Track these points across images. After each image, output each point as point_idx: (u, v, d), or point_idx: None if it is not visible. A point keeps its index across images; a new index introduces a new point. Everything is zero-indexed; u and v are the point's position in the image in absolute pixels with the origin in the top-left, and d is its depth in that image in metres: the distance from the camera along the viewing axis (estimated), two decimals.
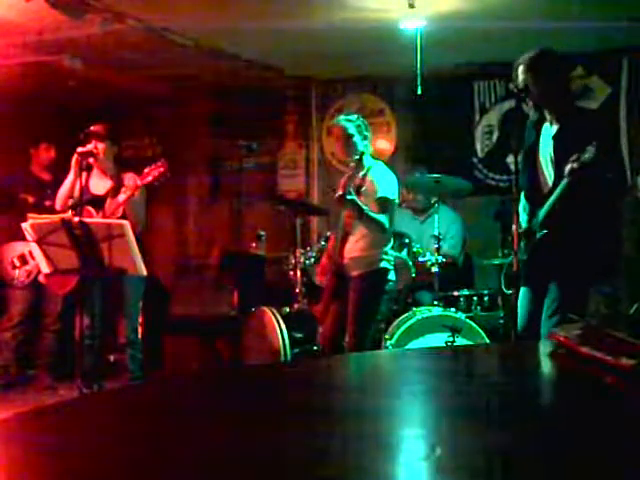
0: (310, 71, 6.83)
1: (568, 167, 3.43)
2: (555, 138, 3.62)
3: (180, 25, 5.28)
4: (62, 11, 4.69)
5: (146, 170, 4.52)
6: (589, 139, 3.39)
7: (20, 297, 5.69)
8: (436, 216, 5.16)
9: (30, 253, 5.20)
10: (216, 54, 5.96)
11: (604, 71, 5.97)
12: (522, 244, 3.72)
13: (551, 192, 3.57)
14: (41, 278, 4.79)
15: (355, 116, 4.60)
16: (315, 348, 5.17)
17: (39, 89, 6.28)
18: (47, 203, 5.54)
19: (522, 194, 3.74)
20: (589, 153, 3.36)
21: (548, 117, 3.66)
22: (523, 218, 3.74)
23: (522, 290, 3.77)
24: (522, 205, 3.76)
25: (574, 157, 3.40)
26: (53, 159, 5.92)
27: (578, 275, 3.53)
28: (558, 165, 3.55)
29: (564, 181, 3.48)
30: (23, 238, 4.46)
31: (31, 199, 5.71)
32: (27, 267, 5.53)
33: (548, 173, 3.64)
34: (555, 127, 3.64)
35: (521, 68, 3.59)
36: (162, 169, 4.48)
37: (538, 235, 3.55)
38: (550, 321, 3.53)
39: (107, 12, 4.90)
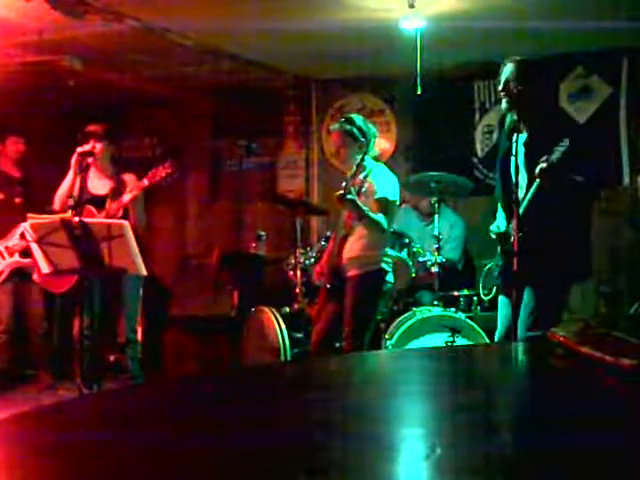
0: (310, 71, 6.83)
1: (537, 168, 3.44)
2: (525, 145, 3.63)
3: (180, 25, 5.28)
4: (62, 11, 4.68)
5: (152, 171, 4.51)
6: (557, 141, 3.41)
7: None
8: (436, 216, 5.15)
9: (0, 253, 5.13)
10: (216, 54, 5.95)
11: (604, 71, 5.97)
12: (498, 249, 3.74)
13: (524, 199, 3.57)
14: (36, 278, 4.72)
15: (355, 118, 4.53)
16: None
17: (39, 89, 6.28)
18: (17, 200, 5.45)
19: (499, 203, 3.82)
20: (557, 153, 3.39)
21: (520, 124, 3.64)
22: (502, 223, 3.76)
23: (500, 299, 3.77)
24: (499, 212, 3.82)
25: (543, 158, 3.43)
26: (22, 154, 5.72)
27: (550, 278, 3.53)
28: (530, 172, 3.56)
29: (535, 183, 3.50)
30: None
31: (0, 196, 5.59)
32: None
33: (521, 181, 3.60)
34: (525, 134, 3.67)
35: (501, 75, 3.66)
36: (169, 170, 4.47)
37: (513, 239, 3.51)
38: (524, 324, 3.50)
39: (107, 12, 4.89)
